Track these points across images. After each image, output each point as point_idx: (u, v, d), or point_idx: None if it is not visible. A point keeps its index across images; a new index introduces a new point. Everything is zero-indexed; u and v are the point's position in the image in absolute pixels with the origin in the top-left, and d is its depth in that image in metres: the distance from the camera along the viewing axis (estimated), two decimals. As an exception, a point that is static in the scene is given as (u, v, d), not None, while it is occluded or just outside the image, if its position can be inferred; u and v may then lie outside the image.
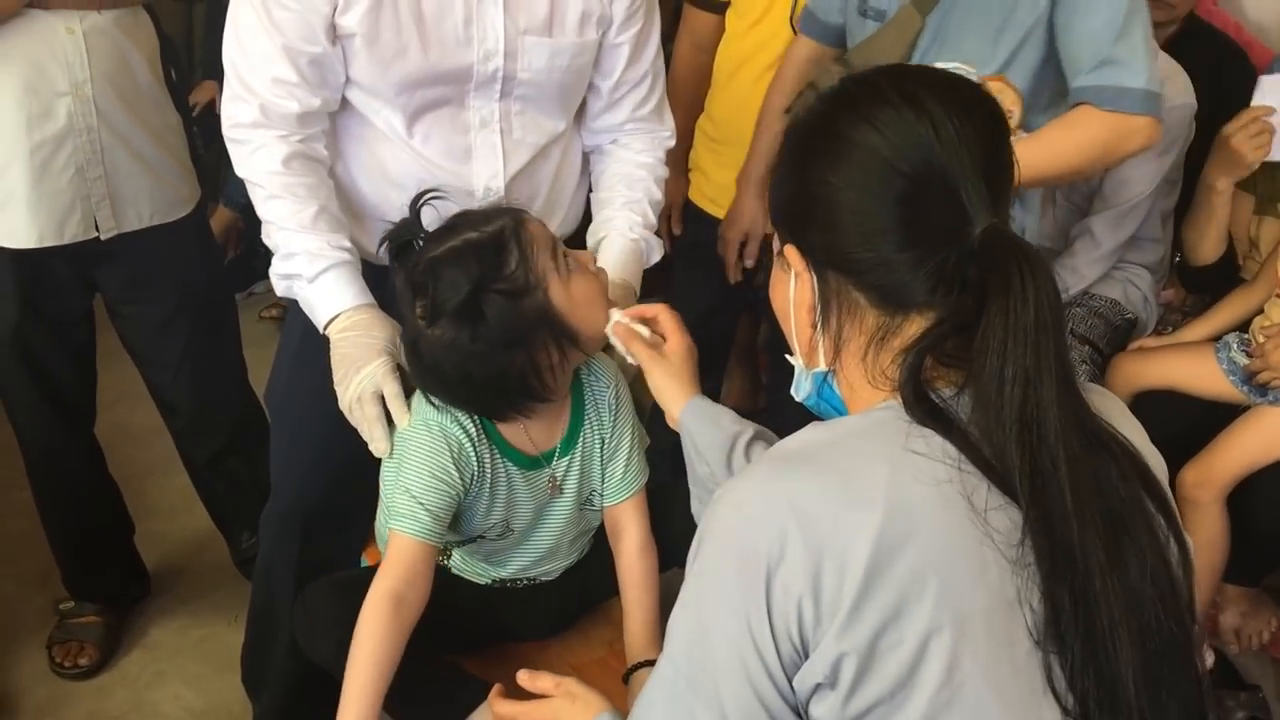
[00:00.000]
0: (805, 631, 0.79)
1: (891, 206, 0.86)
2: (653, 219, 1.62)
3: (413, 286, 1.27)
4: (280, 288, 1.44)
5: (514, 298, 1.25)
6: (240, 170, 1.43)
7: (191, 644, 2.19)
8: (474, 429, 1.33)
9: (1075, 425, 0.82)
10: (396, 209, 1.40)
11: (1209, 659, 2.05)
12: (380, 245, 1.34)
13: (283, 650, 1.67)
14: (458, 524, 1.40)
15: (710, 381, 1.61)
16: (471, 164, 1.47)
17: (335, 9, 1.36)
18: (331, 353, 1.37)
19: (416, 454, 1.32)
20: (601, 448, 1.44)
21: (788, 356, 1.02)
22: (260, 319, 3.39)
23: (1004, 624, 0.79)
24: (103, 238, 1.88)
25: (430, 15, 1.40)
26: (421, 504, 1.30)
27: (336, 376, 1.36)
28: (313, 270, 1.38)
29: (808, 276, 0.93)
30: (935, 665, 0.77)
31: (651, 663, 1.35)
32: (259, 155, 1.40)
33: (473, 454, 1.33)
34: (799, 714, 0.82)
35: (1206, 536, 1.90)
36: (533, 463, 1.39)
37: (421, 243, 1.30)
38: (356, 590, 1.32)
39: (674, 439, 1.30)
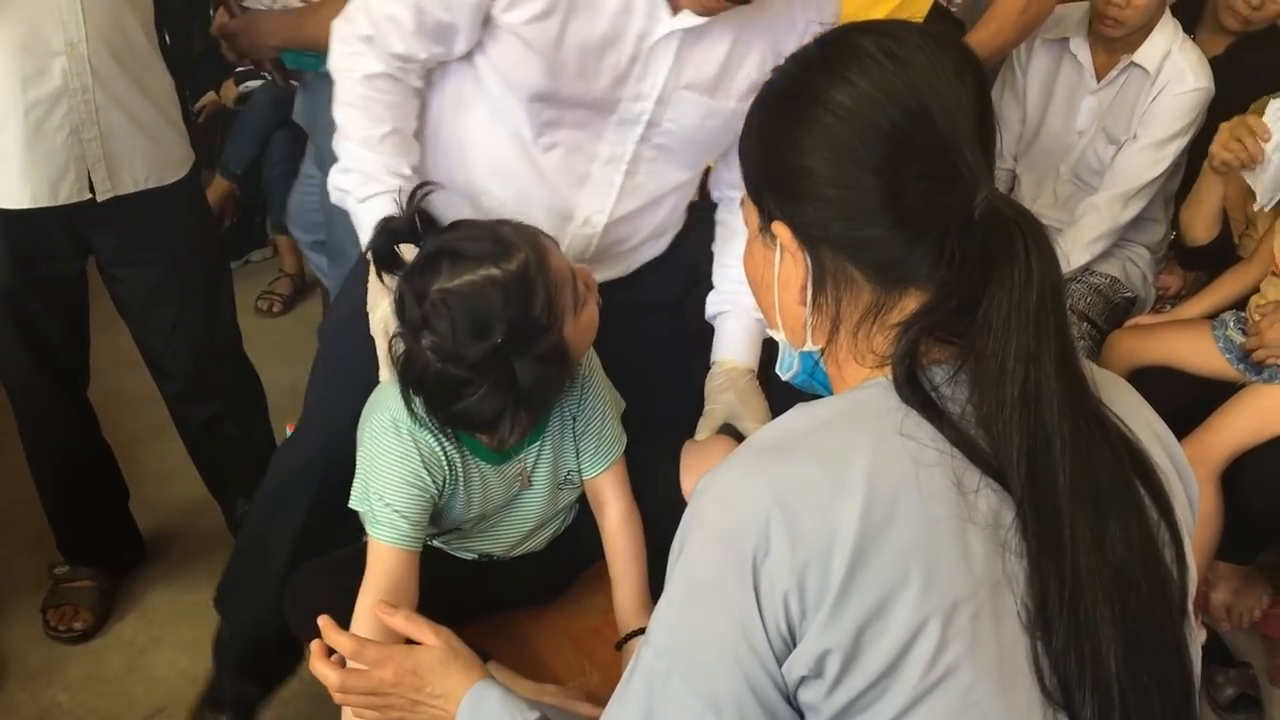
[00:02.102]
0: (792, 624, 0.78)
1: (888, 174, 0.83)
2: None
3: (421, 316, 1.18)
4: (333, 195, 1.45)
5: (542, 353, 1.19)
6: (332, 62, 1.43)
7: (186, 609, 2.19)
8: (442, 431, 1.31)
9: (1073, 403, 0.81)
10: (495, 199, 1.40)
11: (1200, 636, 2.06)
12: (368, 249, 1.27)
13: (262, 589, 1.60)
14: (437, 519, 1.38)
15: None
16: (582, 192, 1.43)
17: (496, 2, 1.33)
18: (370, 275, 1.35)
19: (386, 460, 1.29)
20: (573, 424, 1.42)
21: (770, 332, 0.98)
22: (256, 310, 3.30)
23: (989, 607, 0.78)
24: (98, 199, 1.86)
25: (596, 42, 1.35)
26: (398, 511, 1.28)
27: (370, 300, 1.36)
28: (363, 192, 1.39)
29: (801, 256, 0.89)
30: (921, 653, 0.76)
31: (643, 631, 1.35)
32: (354, 59, 1.40)
33: (443, 456, 1.31)
34: (789, 701, 0.81)
35: (1200, 514, 1.89)
36: (501, 456, 1.37)
37: (424, 245, 1.22)
38: (346, 572, 1.31)
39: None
